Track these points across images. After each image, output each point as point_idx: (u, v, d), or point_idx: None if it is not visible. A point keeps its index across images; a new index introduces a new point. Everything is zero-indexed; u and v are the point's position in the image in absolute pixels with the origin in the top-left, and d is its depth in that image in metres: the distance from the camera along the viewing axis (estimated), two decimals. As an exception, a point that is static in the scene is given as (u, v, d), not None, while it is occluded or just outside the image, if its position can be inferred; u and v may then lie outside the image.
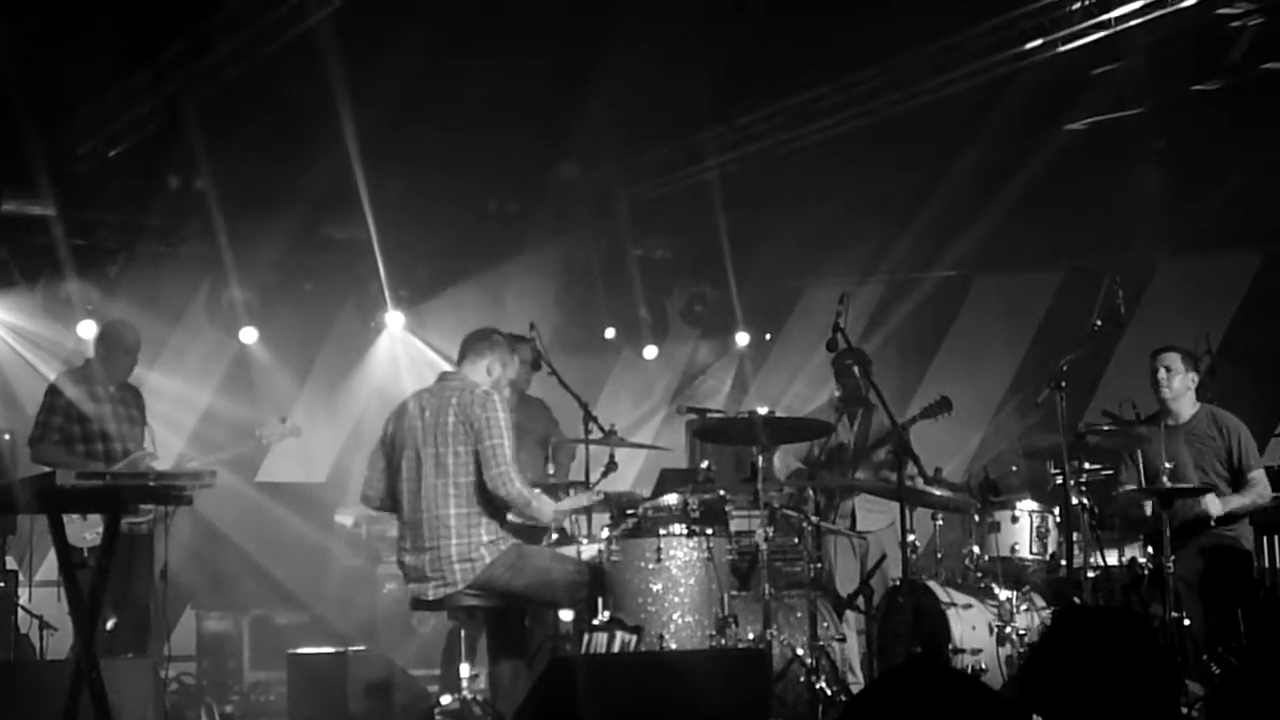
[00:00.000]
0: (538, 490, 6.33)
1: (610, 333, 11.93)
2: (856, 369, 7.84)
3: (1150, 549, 7.10)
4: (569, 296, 11.68)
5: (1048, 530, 7.29)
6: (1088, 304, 7.52)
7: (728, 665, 5.76)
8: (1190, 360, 7.64)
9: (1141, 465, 7.30)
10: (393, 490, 6.28)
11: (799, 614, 6.71)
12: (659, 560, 6.33)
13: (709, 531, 6.49)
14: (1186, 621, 6.69)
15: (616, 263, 11.57)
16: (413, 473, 6.15)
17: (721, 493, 6.86)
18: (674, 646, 6.18)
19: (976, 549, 7.33)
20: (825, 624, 6.76)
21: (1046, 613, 7.00)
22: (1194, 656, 6.65)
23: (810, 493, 7.81)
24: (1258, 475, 7.42)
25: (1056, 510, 7.26)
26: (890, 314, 11.79)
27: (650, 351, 12.11)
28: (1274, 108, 8.57)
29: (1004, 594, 7.01)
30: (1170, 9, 7.41)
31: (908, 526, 6.84)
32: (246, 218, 9.95)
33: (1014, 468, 7.96)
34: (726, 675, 5.54)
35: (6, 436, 8.71)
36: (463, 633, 6.41)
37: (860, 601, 7.24)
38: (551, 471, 7.34)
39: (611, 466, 7.62)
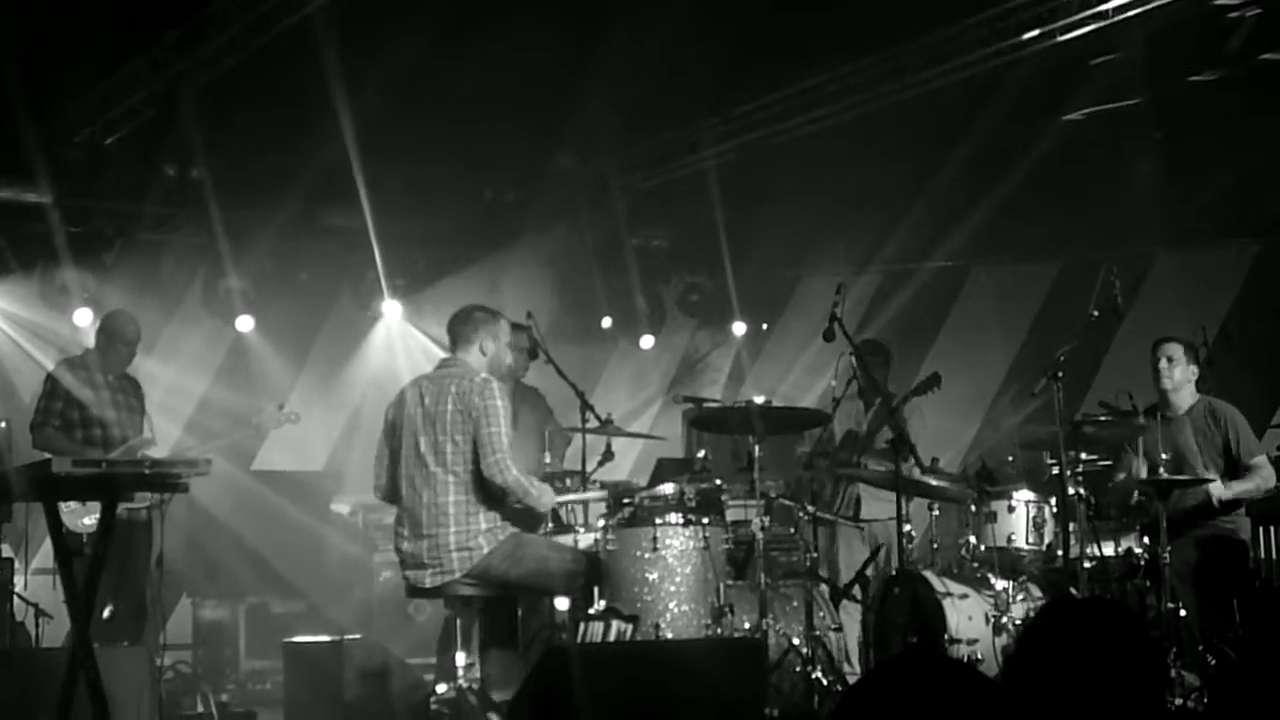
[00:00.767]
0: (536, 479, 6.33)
1: (607, 322, 11.91)
2: (854, 359, 7.82)
3: (1146, 539, 7.11)
4: (566, 286, 11.65)
5: (1044, 520, 7.29)
6: (1085, 294, 7.50)
7: (724, 655, 5.75)
8: (1191, 352, 7.65)
9: (1142, 455, 7.32)
10: (393, 477, 6.28)
11: (795, 603, 6.72)
12: (655, 549, 6.35)
13: (705, 521, 6.50)
14: (1182, 612, 6.69)
15: (613, 252, 11.57)
16: (412, 460, 6.14)
17: (718, 482, 6.86)
18: (670, 636, 6.19)
19: (973, 539, 7.33)
20: (821, 613, 6.77)
21: (1042, 603, 7.01)
22: (1190, 647, 6.65)
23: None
24: (1261, 460, 7.44)
25: (1053, 500, 7.26)
26: (887, 304, 11.77)
27: (647, 341, 12.09)
28: (1272, 99, 8.56)
29: (1000, 584, 7.01)
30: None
31: (904, 516, 6.85)
32: (243, 206, 9.94)
33: (1010, 458, 7.94)
34: (722, 665, 5.52)
35: (2, 424, 8.67)
36: (458, 621, 6.40)
37: (857, 591, 7.24)
38: (548, 460, 7.34)
39: (608, 455, 7.64)
